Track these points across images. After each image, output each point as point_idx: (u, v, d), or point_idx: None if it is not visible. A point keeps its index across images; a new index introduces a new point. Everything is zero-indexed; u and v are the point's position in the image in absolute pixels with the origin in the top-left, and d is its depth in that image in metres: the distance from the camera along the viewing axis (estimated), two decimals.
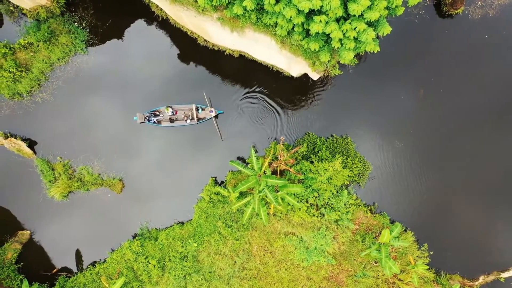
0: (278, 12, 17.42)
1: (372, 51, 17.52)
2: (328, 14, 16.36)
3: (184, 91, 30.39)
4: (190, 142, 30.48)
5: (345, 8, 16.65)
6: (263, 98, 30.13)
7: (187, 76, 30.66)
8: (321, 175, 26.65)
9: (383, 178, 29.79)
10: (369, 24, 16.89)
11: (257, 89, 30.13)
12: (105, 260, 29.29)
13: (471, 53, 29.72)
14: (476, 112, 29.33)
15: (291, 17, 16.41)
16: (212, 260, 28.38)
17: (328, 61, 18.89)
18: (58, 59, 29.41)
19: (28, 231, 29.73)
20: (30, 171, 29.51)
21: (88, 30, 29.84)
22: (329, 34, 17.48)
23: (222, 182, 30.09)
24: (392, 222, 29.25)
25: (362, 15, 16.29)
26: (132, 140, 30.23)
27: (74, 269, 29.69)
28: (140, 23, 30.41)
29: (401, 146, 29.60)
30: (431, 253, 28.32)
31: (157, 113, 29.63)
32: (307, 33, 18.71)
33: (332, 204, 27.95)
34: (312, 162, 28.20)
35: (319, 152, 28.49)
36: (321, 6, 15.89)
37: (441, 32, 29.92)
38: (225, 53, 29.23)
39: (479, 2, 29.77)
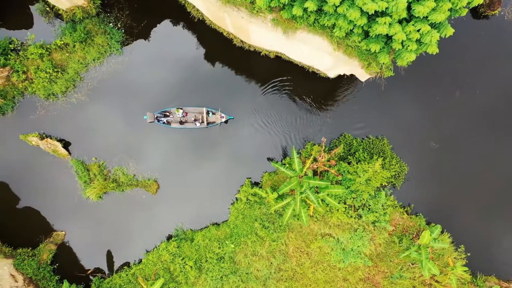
0: (338, 14, 17.40)
1: (432, 53, 17.52)
2: (392, 16, 16.34)
3: (205, 92, 30.18)
4: (218, 144, 30.33)
5: (407, 9, 16.62)
6: (296, 98, 30.14)
7: (215, 77, 30.54)
8: (359, 177, 26.61)
9: (418, 179, 29.74)
10: (432, 25, 16.86)
11: (291, 89, 30.11)
12: (141, 261, 29.27)
13: (507, 54, 29.64)
14: None
15: (354, 18, 16.37)
16: (249, 261, 28.34)
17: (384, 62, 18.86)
18: (94, 60, 29.36)
19: (63, 232, 29.73)
20: (65, 172, 29.50)
21: (123, 30, 29.78)
22: (389, 36, 17.48)
23: (256, 183, 30.04)
24: (428, 223, 29.20)
25: (426, 16, 16.28)
26: (164, 141, 30.19)
27: (109, 270, 29.66)
28: (175, 24, 30.36)
29: (437, 148, 29.53)
30: (468, 254, 28.21)
31: (167, 113, 29.55)
32: (365, 34, 18.68)
33: (369, 205, 27.89)
34: (349, 163, 28.16)
35: (356, 153, 28.46)
36: (386, 8, 15.88)
37: (477, 33, 29.86)
38: (261, 54, 29.19)
39: None
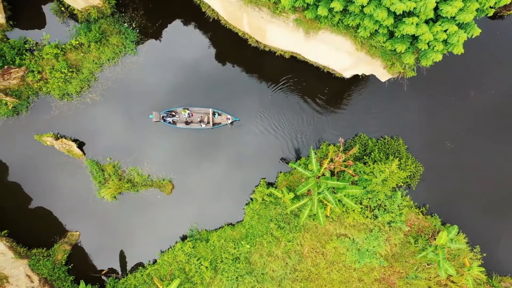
0: (364, 14, 17.35)
1: (457, 53, 17.49)
2: (419, 16, 16.29)
3: (214, 93, 30.09)
4: (229, 145, 30.24)
5: (434, 9, 16.56)
6: (310, 98, 30.11)
7: (227, 77, 30.47)
8: (376, 177, 26.58)
9: (433, 179, 29.67)
10: (458, 26, 16.81)
11: (304, 89, 30.05)
12: (155, 262, 29.23)
13: None
14: None
15: (381, 19, 16.32)
16: (265, 261, 28.30)
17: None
18: (108, 60, 29.31)
19: (78, 232, 29.69)
20: (79, 172, 29.45)
21: (138, 30, 29.71)
22: (414, 36, 17.43)
23: (270, 183, 29.96)
24: (443, 223, 29.15)
25: (453, 17, 16.23)
26: (177, 141, 30.16)
27: (123, 271, 29.62)
28: (189, 24, 30.30)
29: (452, 148, 29.48)
30: (484, 255, 28.17)
31: (173, 113, 29.49)
32: (390, 34, 18.62)
33: (385, 206, 27.84)
34: (365, 164, 28.12)
35: (372, 153, 28.41)
36: (414, 8, 15.84)
37: (492, 33, 29.80)
38: (276, 54, 29.13)
39: None
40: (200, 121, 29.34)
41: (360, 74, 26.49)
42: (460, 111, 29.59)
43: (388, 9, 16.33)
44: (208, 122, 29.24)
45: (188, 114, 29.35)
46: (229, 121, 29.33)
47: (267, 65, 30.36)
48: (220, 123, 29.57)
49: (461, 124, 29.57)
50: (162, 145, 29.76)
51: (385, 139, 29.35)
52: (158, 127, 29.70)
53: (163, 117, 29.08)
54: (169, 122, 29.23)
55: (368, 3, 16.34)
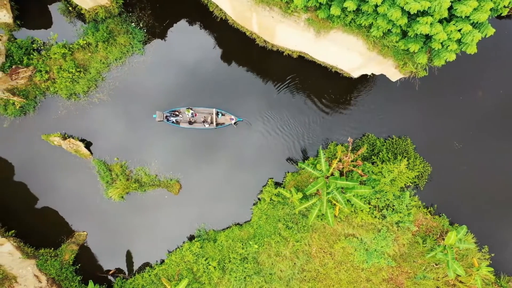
0: (377, 13, 17.30)
1: (470, 53, 17.44)
2: (433, 15, 16.25)
3: (218, 93, 30.06)
4: (235, 145, 30.19)
5: (448, 9, 16.52)
6: (317, 98, 30.05)
7: (233, 77, 30.42)
8: (384, 177, 26.53)
9: (440, 179, 29.62)
10: (472, 25, 16.76)
11: (311, 88, 30.00)
12: (163, 262, 29.18)
13: None
14: None
15: (395, 18, 16.27)
16: (273, 261, 28.25)
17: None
18: (116, 60, 29.25)
19: (85, 232, 29.64)
20: (87, 172, 29.40)
21: (145, 30, 29.65)
22: (428, 35, 17.39)
23: (277, 183, 29.90)
24: (451, 223, 29.11)
25: (467, 16, 16.19)
26: (183, 141, 30.11)
27: (131, 271, 29.57)
28: (196, 23, 30.24)
29: (460, 147, 29.43)
30: (493, 255, 28.13)
31: (177, 113, 29.46)
32: (403, 34, 18.57)
33: (393, 206, 27.79)
34: (373, 163, 28.07)
35: (380, 153, 28.35)
36: (429, 7, 15.80)
37: (500, 33, 29.68)
38: (284, 54, 29.08)
39: None
40: (204, 121, 29.31)
41: (369, 74, 26.41)
42: (468, 111, 29.52)
43: (402, 8, 16.31)
44: (212, 122, 29.21)
45: (192, 114, 29.32)
46: (233, 122, 29.29)
47: (274, 65, 30.29)
48: (223, 123, 29.53)
49: (469, 124, 29.49)
50: (168, 145, 29.72)
51: (393, 139, 29.30)
52: (163, 127, 29.65)
53: (166, 116, 29.04)
54: (173, 122, 29.19)
55: (382, 3, 16.29)
